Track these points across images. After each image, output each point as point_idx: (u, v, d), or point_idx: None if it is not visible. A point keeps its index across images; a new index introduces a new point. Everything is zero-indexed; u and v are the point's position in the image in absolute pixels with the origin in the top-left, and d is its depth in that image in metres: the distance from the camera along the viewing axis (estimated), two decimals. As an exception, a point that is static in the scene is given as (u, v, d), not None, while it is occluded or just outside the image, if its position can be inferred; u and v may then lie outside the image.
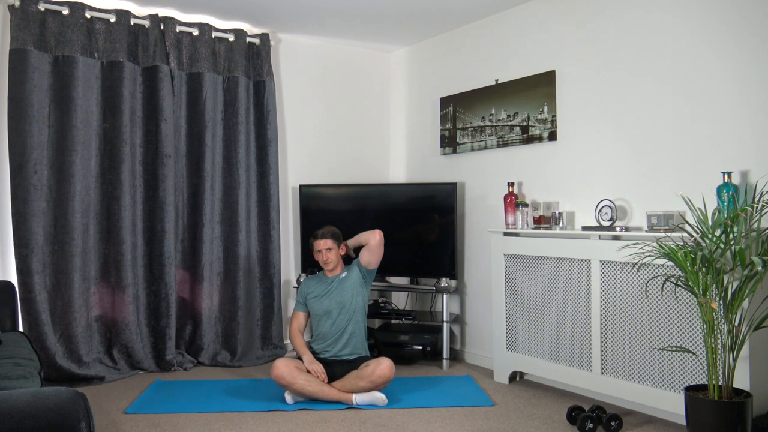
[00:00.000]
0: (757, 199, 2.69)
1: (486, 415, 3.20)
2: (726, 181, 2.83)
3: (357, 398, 3.33)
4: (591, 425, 2.89)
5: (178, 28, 4.19)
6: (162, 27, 4.12)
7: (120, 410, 3.27)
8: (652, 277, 2.97)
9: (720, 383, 2.56)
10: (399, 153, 5.14)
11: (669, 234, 2.82)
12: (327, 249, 3.61)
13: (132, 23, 4.01)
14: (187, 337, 4.28)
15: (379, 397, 3.34)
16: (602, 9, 3.54)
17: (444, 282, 4.23)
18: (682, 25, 3.16)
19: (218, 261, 4.35)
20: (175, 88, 4.18)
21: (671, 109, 3.21)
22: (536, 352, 3.62)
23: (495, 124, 4.16)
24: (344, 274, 3.65)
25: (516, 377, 3.88)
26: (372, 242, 3.59)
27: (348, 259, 3.78)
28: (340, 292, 3.59)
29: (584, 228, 3.39)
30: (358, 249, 3.75)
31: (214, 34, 4.32)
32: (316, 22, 4.39)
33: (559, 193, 3.78)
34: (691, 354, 2.85)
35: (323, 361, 3.50)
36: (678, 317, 2.93)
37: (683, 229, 2.70)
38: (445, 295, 4.21)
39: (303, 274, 4.48)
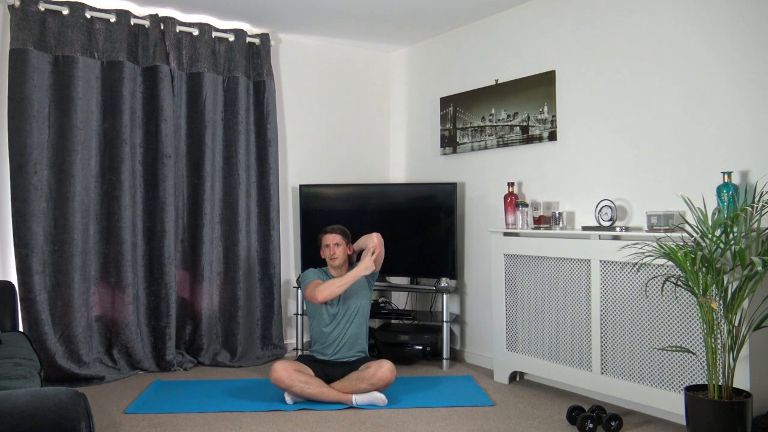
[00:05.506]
0: (757, 199, 2.69)
1: (486, 415, 3.20)
2: (726, 181, 2.83)
3: (357, 398, 3.33)
4: (591, 425, 2.89)
5: (178, 28, 4.19)
6: (162, 27, 4.12)
7: (120, 410, 3.27)
8: (652, 277, 2.97)
9: (720, 383, 2.56)
10: (399, 153, 5.14)
11: (669, 234, 2.82)
12: (335, 244, 3.61)
13: (132, 23, 4.01)
14: (187, 337, 4.28)
15: (379, 397, 3.34)
16: (602, 9, 3.54)
17: (444, 282, 4.23)
18: (682, 25, 3.16)
19: (218, 261, 4.35)
20: (175, 88, 4.18)
21: (671, 109, 3.21)
22: (536, 352, 3.62)
23: (495, 124, 4.16)
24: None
25: (516, 377, 3.88)
26: (371, 245, 3.59)
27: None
28: (345, 295, 3.58)
29: (584, 228, 3.39)
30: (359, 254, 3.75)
31: (214, 34, 4.32)
32: (316, 22, 4.39)
33: (559, 193, 3.78)
34: (691, 354, 2.84)
35: (322, 362, 3.50)
36: (678, 317, 2.93)
37: (683, 229, 2.70)
38: (445, 295, 4.21)
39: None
